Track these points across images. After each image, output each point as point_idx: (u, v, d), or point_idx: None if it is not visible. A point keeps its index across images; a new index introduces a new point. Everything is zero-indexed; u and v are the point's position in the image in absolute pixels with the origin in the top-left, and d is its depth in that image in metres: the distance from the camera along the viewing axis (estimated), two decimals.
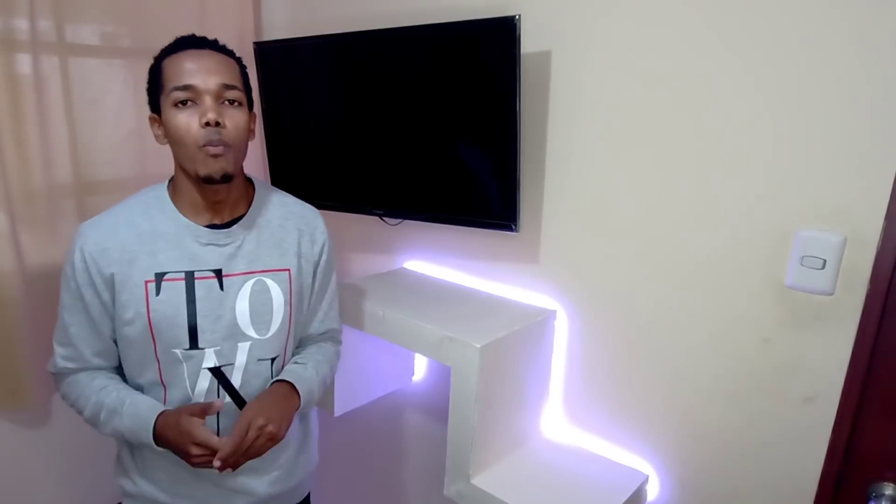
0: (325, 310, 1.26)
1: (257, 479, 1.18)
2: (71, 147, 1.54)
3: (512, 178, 1.33)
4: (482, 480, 1.31)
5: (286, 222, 1.17)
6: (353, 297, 1.50)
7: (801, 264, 1.09)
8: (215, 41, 1.07)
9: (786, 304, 1.13)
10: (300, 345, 1.26)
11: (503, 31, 1.25)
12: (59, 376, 1.13)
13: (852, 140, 1.02)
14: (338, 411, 1.60)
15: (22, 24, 1.42)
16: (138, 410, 1.06)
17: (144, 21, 1.60)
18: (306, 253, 1.18)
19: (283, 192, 1.23)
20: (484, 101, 1.34)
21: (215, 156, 1.01)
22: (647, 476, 1.35)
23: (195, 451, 1.00)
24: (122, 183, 1.64)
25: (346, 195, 1.70)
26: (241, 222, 1.12)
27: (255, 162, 1.91)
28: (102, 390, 1.08)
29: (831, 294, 1.08)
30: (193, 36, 1.06)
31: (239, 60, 1.09)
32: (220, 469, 1.01)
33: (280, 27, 1.94)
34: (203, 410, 1.03)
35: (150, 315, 1.05)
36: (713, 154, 1.17)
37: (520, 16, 1.22)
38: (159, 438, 1.04)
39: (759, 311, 1.16)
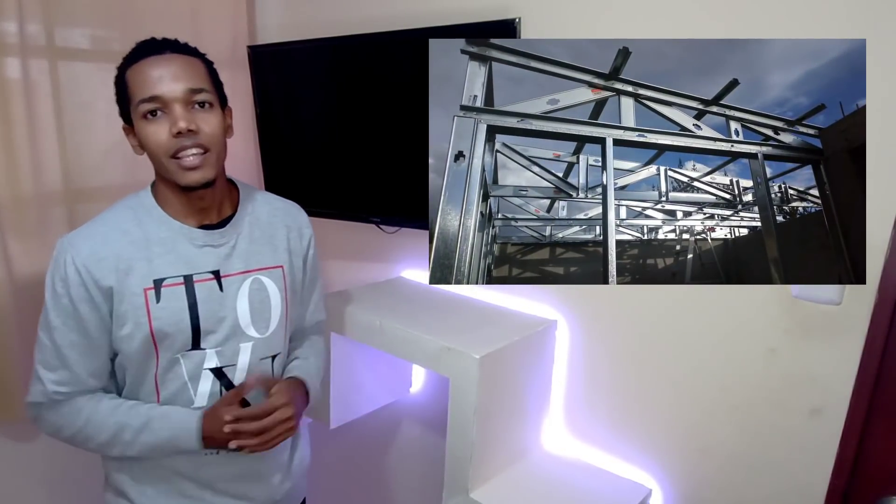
0: (316, 301, 1.29)
1: (259, 484, 1.16)
2: (61, 153, 1.51)
3: None
4: (481, 494, 1.29)
5: (274, 219, 1.16)
6: (349, 307, 1.47)
7: None
8: (176, 41, 1.01)
9: (792, 313, 1.11)
10: (292, 338, 1.25)
11: (503, 35, 1.23)
12: (46, 405, 1.04)
13: None
14: (333, 423, 1.58)
15: (10, 28, 1.39)
16: (173, 420, 1.04)
17: (136, 24, 1.58)
18: (295, 248, 1.18)
19: (264, 191, 1.22)
20: None
21: (192, 168, 0.98)
22: (651, 490, 1.33)
23: (229, 431, 1.01)
24: (113, 190, 1.61)
25: (342, 202, 1.68)
26: (232, 222, 1.10)
27: (250, 168, 1.88)
28: (117, 410, 1.04)
29: (839, 304, 1.06)
30: (153, 40, 1.01)
31: (204, 58, 1.04)
32: (232, 434, 1.00)
33: (274, 31, 1.92)
34: (237, 395, 1.04)
35: (152, 323, 1.02)
36: None
37: (520, 19, 1.21)
38: (207, 439, 1.04)
39: (766, 320, 1.14)
